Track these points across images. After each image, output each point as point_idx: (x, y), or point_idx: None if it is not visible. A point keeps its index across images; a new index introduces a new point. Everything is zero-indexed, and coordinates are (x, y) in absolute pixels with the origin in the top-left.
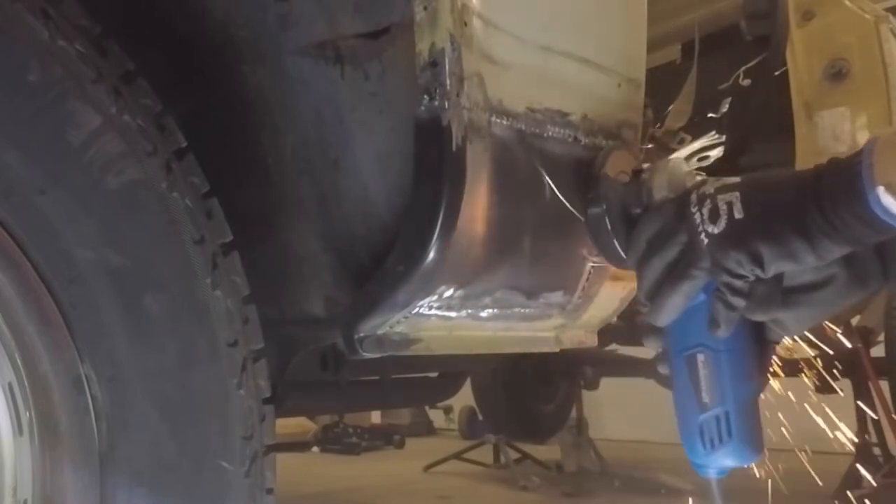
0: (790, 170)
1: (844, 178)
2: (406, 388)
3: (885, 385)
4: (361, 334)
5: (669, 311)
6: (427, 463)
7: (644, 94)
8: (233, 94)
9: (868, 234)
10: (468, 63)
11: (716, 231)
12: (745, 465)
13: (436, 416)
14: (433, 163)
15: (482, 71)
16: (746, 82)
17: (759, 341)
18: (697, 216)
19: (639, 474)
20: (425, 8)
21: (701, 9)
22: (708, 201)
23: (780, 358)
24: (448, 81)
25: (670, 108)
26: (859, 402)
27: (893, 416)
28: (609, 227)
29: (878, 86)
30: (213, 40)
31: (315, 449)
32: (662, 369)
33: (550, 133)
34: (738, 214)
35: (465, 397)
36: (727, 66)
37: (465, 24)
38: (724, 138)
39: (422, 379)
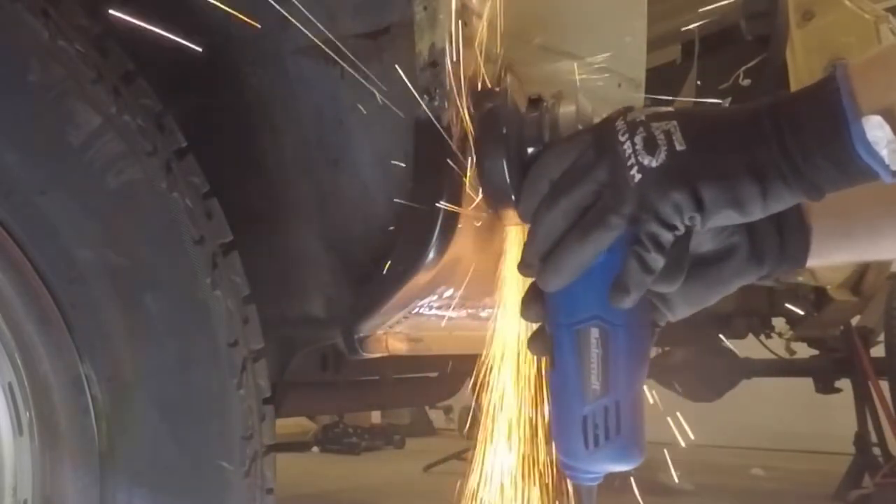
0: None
1: (815, 110)
2: (406, 388)
3: (885, 385)
4: (361, 334)
5: (568, 272)
6: (427, 463)
7: (644, 94)
8: (233, 95)
9: (835, 180)
10: (468, 63)
11: (653, 164)
12: (626, 469)
13: (436, 416)
14: (433, 163)
15: (482, 71)
16: (746, 82)
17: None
18: (628, 146)
19: (638, 474)
20: (425, 8)
21: (701, 9)
22: (641, 129)
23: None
24: (448, 81)
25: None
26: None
27: (894, 415)
28: (505, 170)
29: None
30: (213, 40)
31: (315, 449)
32: (535, 348)
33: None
34: (679, 146)
35: (465, 397)
36: (727, 66)
37: (465, 24)
38: None
39: (422, 379)
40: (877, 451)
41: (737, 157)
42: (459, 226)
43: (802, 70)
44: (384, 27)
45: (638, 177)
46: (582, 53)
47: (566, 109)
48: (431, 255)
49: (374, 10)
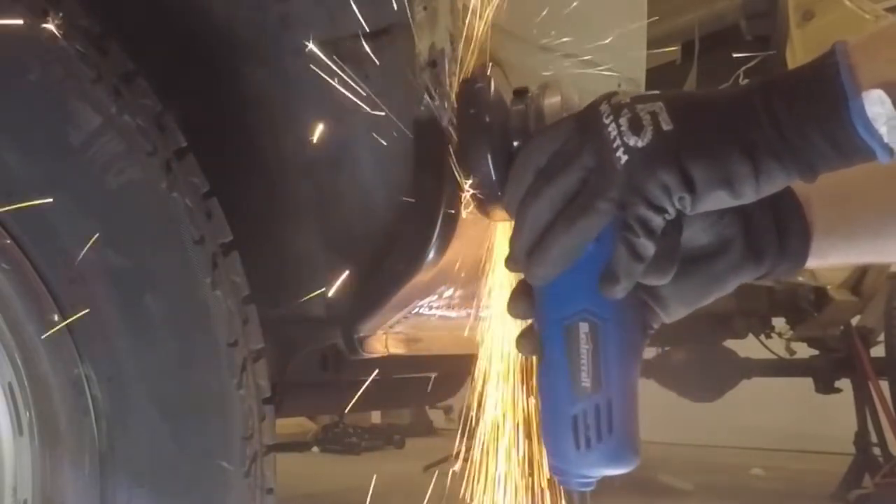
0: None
1: (811, 85)
2: (406, 388)
3: (885, 385)
4: (361, 334)
5: (556, 263)
6: (427, 463)
7: None
8: (233, 94)
9: (830, 158)
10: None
11: (640, 144)
12: (620, 473)
13: (436, 416)
14: (433, 163)
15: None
16: (746, 82)
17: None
18: (613, 128)
19: (638, 474)
20: (425, 8)
21: (701, 9)
22: (626, 110)
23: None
24: (448, 81)
25: None
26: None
27: (894, 415)
28: (490, 163)
29: None
30: (214, 40)
31: (315, 449)
32: (524, 346)
33: None
34: (665, 126)
35: (465, 397)
36: (727, 66)
37: (465, 24)
38: None
39: (422, 379)
40: (877, 451)
41: (726, 134)
42: (459, 226)
43: None
44: (384, 27)
45: (624, 158)
46: (582, 53)
47: (551, 100)
48: (431, 255)
49: (374, 9)
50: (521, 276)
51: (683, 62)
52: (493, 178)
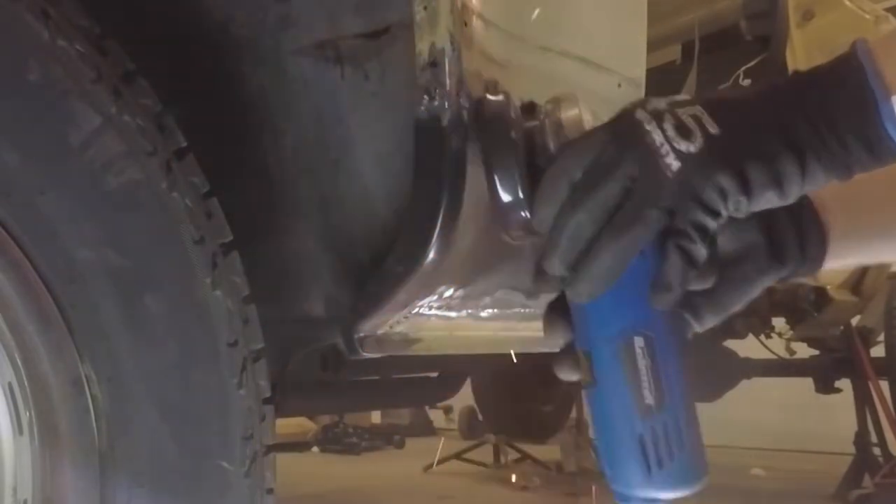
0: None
1: (840, 90)
2: (406, 388)
3: (885, 385)
4: (361, 334)
5: (606, 278)
6: (427, 463)
7: (644, 94)
8: (233, 94)
9: (864, 160)
10: (468, 63)
11: (692, 150)
12: (690, 494)
13: (436, 416)
14: (433, 163)
15: (482, 71)
16: (746, 82)
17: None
18: (657, 134)
19: None
20: (425, 8)
21: (701, 9)
22: (668, 116)
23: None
24: (448, 81)
25: None
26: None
27: (894, 415)
28: (517, 178)
29: None
30: (213, 40)
31: (315, 449)
32: (566, 369)
33: None
34: (712, 129)
35: (465, 397)
36: (727, 66)
37: (465, 24)
38: None
39: (422, 379)
40: (877, 451)
41: (776, 137)
42: (460, 225)
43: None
44: (384, 27)
45: (676, 164)
46: (582, 53)
47: (569, 113)
48: (431, 255)
49: (374, 9)
50: (552, 296)
51: (683, 62)
52: (521, 197)
